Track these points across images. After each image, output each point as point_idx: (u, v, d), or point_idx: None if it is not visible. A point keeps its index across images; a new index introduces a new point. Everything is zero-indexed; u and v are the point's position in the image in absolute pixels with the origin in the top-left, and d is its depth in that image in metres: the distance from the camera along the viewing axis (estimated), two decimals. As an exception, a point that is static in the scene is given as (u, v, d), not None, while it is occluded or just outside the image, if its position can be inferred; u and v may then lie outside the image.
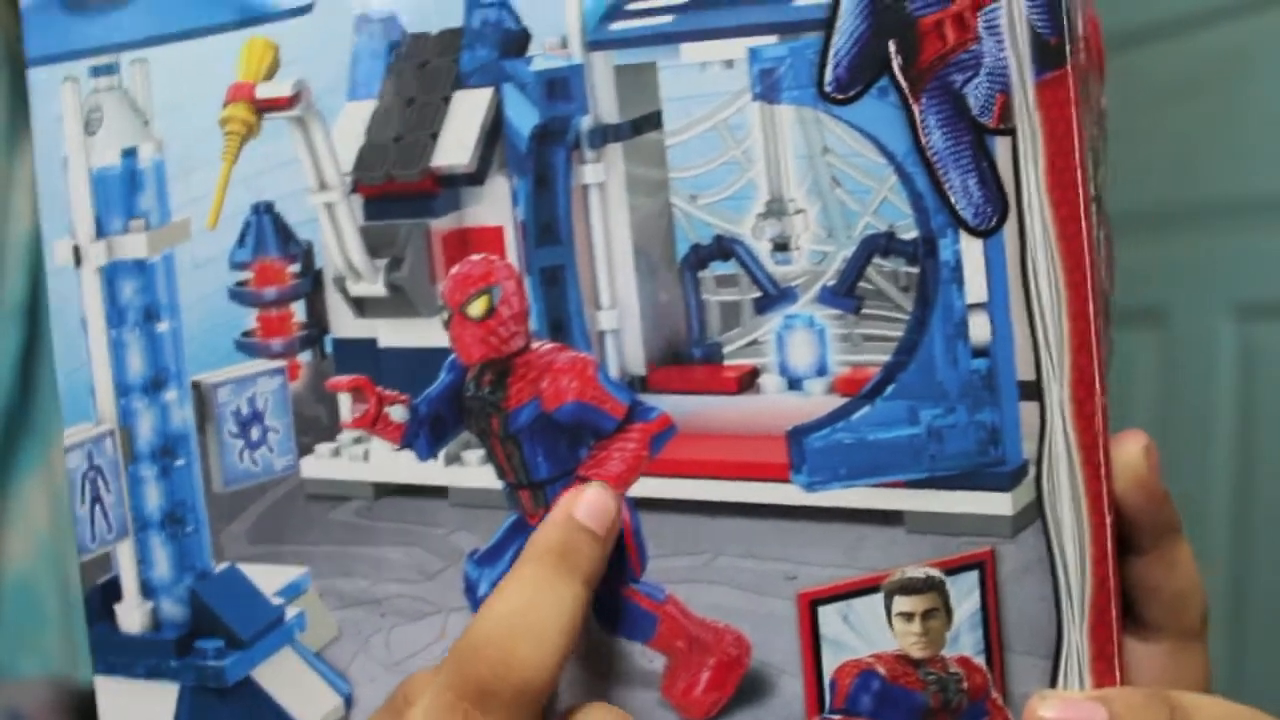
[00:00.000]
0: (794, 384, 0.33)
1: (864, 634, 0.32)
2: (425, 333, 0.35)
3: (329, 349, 0.37)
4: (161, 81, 0.37)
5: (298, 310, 0.38)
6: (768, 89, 0.31)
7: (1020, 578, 0.31)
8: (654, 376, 0.35)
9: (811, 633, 0.32)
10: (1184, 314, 0.95)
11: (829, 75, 0.31)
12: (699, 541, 0.34)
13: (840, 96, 0.31)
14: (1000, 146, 0.30)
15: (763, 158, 0.33)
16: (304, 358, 0.38)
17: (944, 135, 0.30)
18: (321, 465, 0.37)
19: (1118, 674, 0.31)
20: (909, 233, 0.31)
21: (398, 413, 0.35)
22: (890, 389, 0.31)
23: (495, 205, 0.35)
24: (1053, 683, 0.31)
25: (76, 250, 0.38)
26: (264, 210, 0.37)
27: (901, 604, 0.32)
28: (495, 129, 0.34)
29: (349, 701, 0.37)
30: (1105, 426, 0.31)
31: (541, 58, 0.34)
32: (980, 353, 0.31)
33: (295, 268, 0.37)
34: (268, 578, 0.38)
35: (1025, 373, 0.31)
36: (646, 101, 0.34)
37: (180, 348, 0.38)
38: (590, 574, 0.32)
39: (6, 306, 0.39)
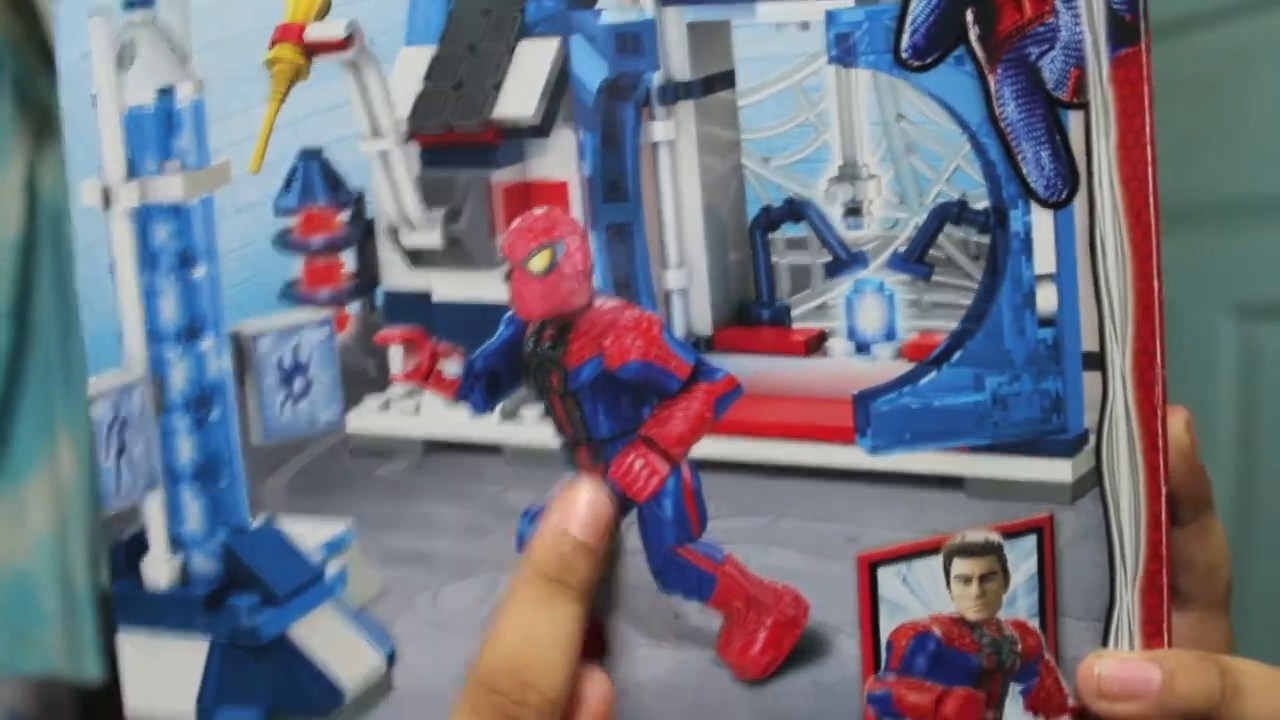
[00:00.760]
0: (861, 348, 0.40)
1: (922, 596, 0.40)
2: (483, 286, 0.42)
3: (379, 300, 0.44)
4: (202, 18, 0.43)
5: (347, 259, 0.44)
6: (844, 53, 0.38)
7: (1077, 543, 0.39)
8: (720, 337, 0.42)
9: (870, 594, 0.40)
10: (1184, 314, 1.06)
11: (906, 41, 0.38)
12: (762, 503, 0.41)
13: (917, 63, 0.38)
14: (1073, 120, 0.37)
15: (837, 122, 0.40)
16: (352, 309, 0.44)
17: (1018, 107, 0.38)
18: (369, 419, 0.44)
19: (1166, 638, 0.39)
20: (981, 202, 0.39)
21: (451, 367, 0.42)
22: (957, 355, 0.39)
23: (560, 159, 0.41)
24: (1104, 644, 0.39)
25: (106, 191, 0.44)
26: (312, 156, 0.43)
27: (960, 567, 0.40)
28: (561, 81, 0.41)
29: (391, 659, 0.44)
30: (1164, 398, 0.38)
31: (612, 10, 0.40)
32: (1046, 322, 0.39)
33: (344, 216, 0.44)
34: (308, 533, 0.45)
35: (1089, 343, 0.38)
36: (719, 60, 0.40)
37: (218, 295, 0.44)
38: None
39: None
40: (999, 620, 0.40)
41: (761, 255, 0.41)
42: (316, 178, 0.43)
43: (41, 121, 0.43)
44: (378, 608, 0.44)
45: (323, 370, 0.45)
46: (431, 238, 0.43)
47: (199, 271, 0.44)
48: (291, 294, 0.44)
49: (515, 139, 0.42)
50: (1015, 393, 0.39)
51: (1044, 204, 0.38)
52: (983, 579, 0.40)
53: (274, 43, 0.42)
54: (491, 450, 0.43)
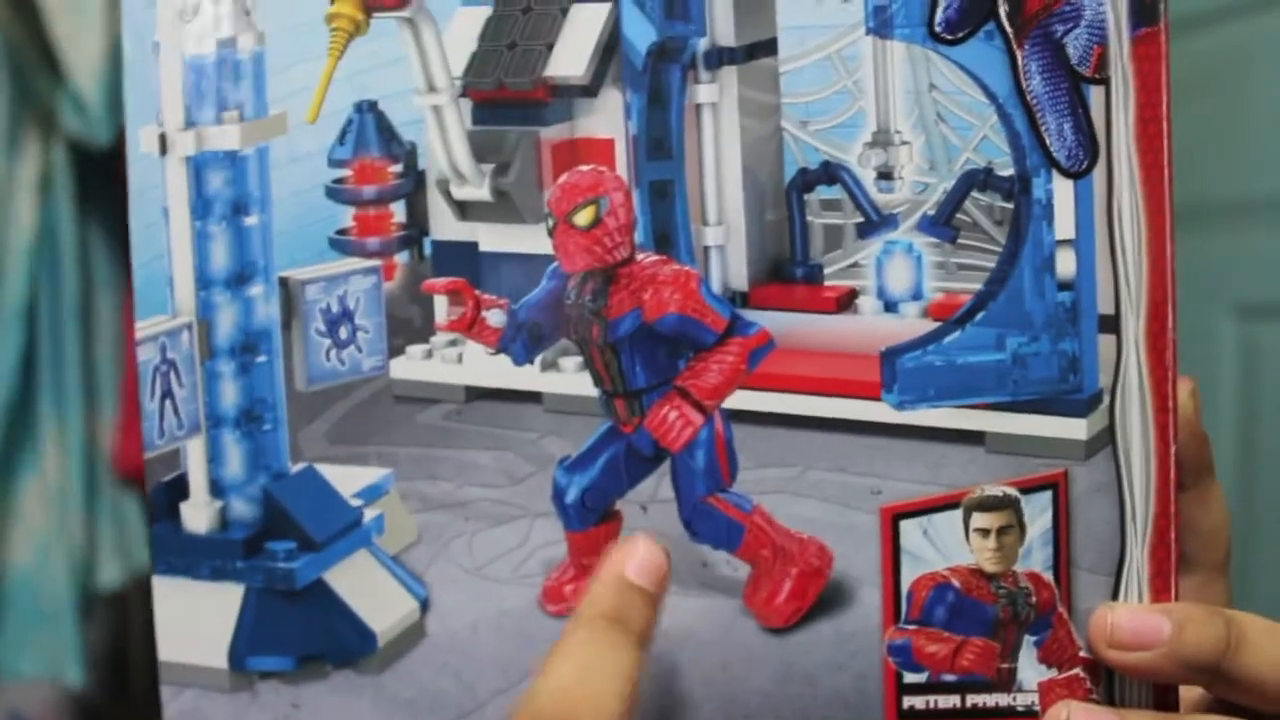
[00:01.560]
0: (890, 307, 0.52)
1: (942, 548, 0.51)
2: (528, 239, 0.54)
3: (427, 251, 0.56)
4: (266, -28, 0.55)
5: (397, 211, 0.56)
6: (881, 24, 0.50)
7: (1090, 499, 0.50)
8: (755, 293, 0.54)
9: (893, 545, 0.51)
10: (1184, 314, 1.23)
11: (939, 16, 0.50)
12: (790, 455, 0.53)
13: (949, 37, 0.49)
14: (1095, 95, 0.49)
15: (872, 90, 0.51)
16: (401, 258, 0.56)
17: (1044, 80, 0.49)
18: (413, 367, 0.56)
19: (1173, 592, 0.50)
20: (1006, 170, 0.50)
21: (495, 317, 0.54)
22: (980, 316, 0.50)
23: (607, 118, 0.53)
24: (1114, 598, 0.50)
25: (163, 138, 0.56)
26: (367, 109, 0.55)
27: (979, 520, 0.51)
28: (611, 43, 0.53)
29: (425, 605, 0.56)
30: (1175, 362, 0.50)
31: (661, -22, 0.52)
32: (1065, 286, 0.50)
33: (397, 168, 0.56)
34: (347, 479, 0.56)
35: (1105, 307, 0.50)
36: (763, 28, 0.52)
37: (269, 243, 0.56)
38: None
39: (8, 309, 0.55)
40: (1015, 572, 0.51)
41: (797, 215, 0.53)
42: (371, 130, 0.55)
43: (44, 124, 0.54)
44: (413, 553, 0.56)
45: (369, 318, 0.56)
46: (481, 191, 0.54)
47: (251, 219, 0.56)
48: (341, 243, 0.56)
49: (565, 98, 0.54)
50: (1034, 353, 0.50)
51: (1065, 173, 0.50)
52: (1000, 532, 0.51)
53: None
54: (531, 399, 0.55)
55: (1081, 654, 0.51)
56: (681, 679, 0.53)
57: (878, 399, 0.51)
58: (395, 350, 0.56)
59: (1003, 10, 0.49)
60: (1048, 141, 0.50)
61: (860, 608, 0.52)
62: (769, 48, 0.52)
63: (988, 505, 0.51)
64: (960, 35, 0.50)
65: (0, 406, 0.52)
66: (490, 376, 0.55)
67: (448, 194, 0.55)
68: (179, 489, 0.57)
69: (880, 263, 0.52)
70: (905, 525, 0.51)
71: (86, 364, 0.56)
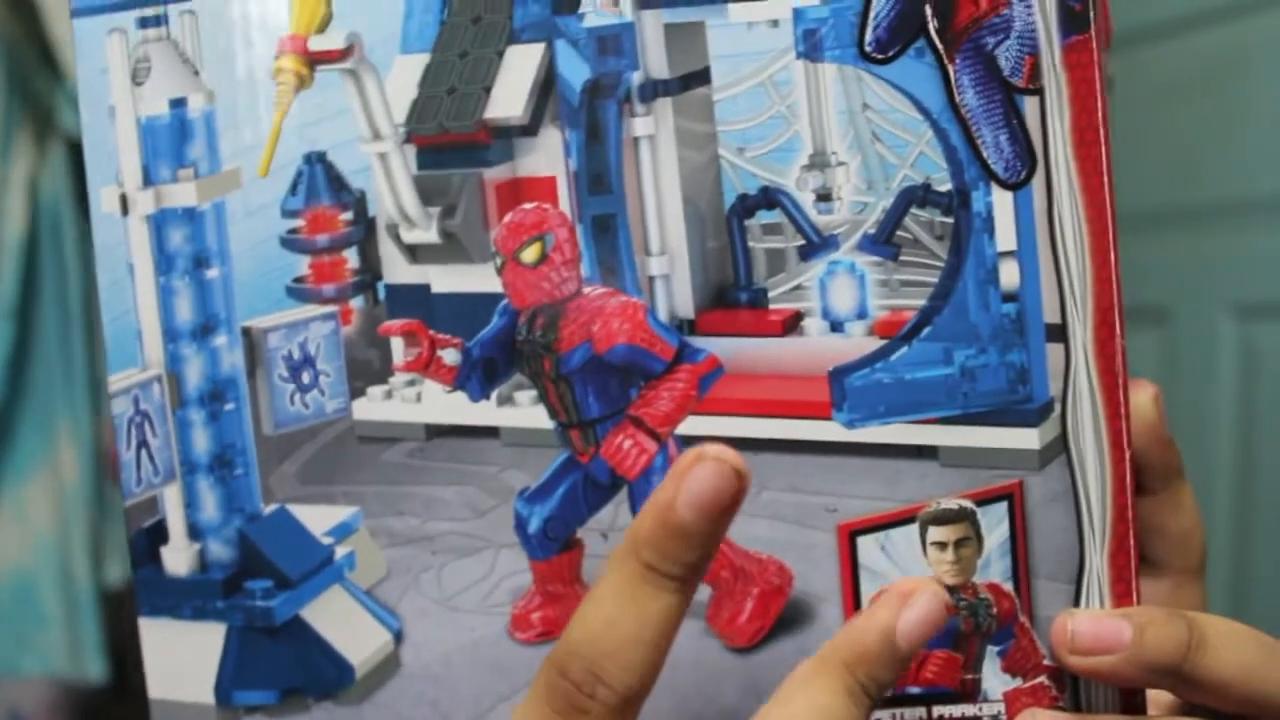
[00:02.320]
0: (836, 326, 0.42)
1: (900, 563, 0.41)
2: (478, 278, 0.44)
3: (381, 294, 0.46)
4: (211, 33, 0.45)
5: (350, 257, 0.46)
6: (811, 48, 0.40)
7: (1046, 507, 0.40)
8: (702, 320, 0.43)
9: (851, 562, 0.41)
10: (1185, 314, 1.11)
11: (869, 36, 0.39)
12: (744, 477, 0.42)
13: (880, 56, 0.39)
14: (1029, 105, 0.39)
15: (807, 113, 0.41)
16: (356, 303, 0.46)
17: (977, 94, 0.39)
18: (374, 407, 0.46)
19: (1135, 596, 0.40)
20: (944, 185, 0.40)
21: (450, 356, 0.44)
22: (926, 331, 0.40)
23: (548, 156, 0.43)
24: (1075, 605, 0.40)
25: (124, 198, 0.46)
26: (316, 160, 0.45)
27: (935, 534, 0.41)
28: (547, 83, 0.43)
29: (399, 637, 0.46)
30: (1125, 367, 0.39)
31: (593, 14, 0.42)
32: (1010, 297, 0.40)
33: (348, 215, 0.46)
34: (317, 518, 0.46)
35: (1051, 316, 0.39)
36: (695, 58, 0.42)
37: (231, 294, 0.46)
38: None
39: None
40: (974, 584, 0.41)
41: (739, 241, 0.43)
42: (321, 180, 0.45)
43: (43, 122, 0.45)
44: (384, 587, 0.46)
45: (329, 362, 0.46)
46: (429, 234, 0.44)
47: (212, 272, 0.46)
48: (299, 290, 0.46)
49: (505, 138, 0.43)
50: (982, 365, 0.40)
51: (1004, 185, 0.39)
52: (957, 545, 0.41)
53: (279, 54, 0.44)
54: (489, 433, 0.45)
55: (1046, 662, 0.41)
56: (651, 697, 0.43)
57: (829, 418, 0.41)
58: (356, 392, 0.46)
59: (932, 26, 0.39)
60: (984, 154, 0.39)
61: (822, 624, 0.42)
62: (702, 77, 0.42)
63: (944, 519, 0.41)
64: (891, 54, 0.39)
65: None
66: (449, 414, 0.44)
67: (398, 238, 0.45)
68: (159, 534, 0.48)
69: (824, 284, 0.41)
70: (862, 542, 0.41)
71: (92, 362, 0.47)
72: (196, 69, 0.45)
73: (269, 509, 0.47)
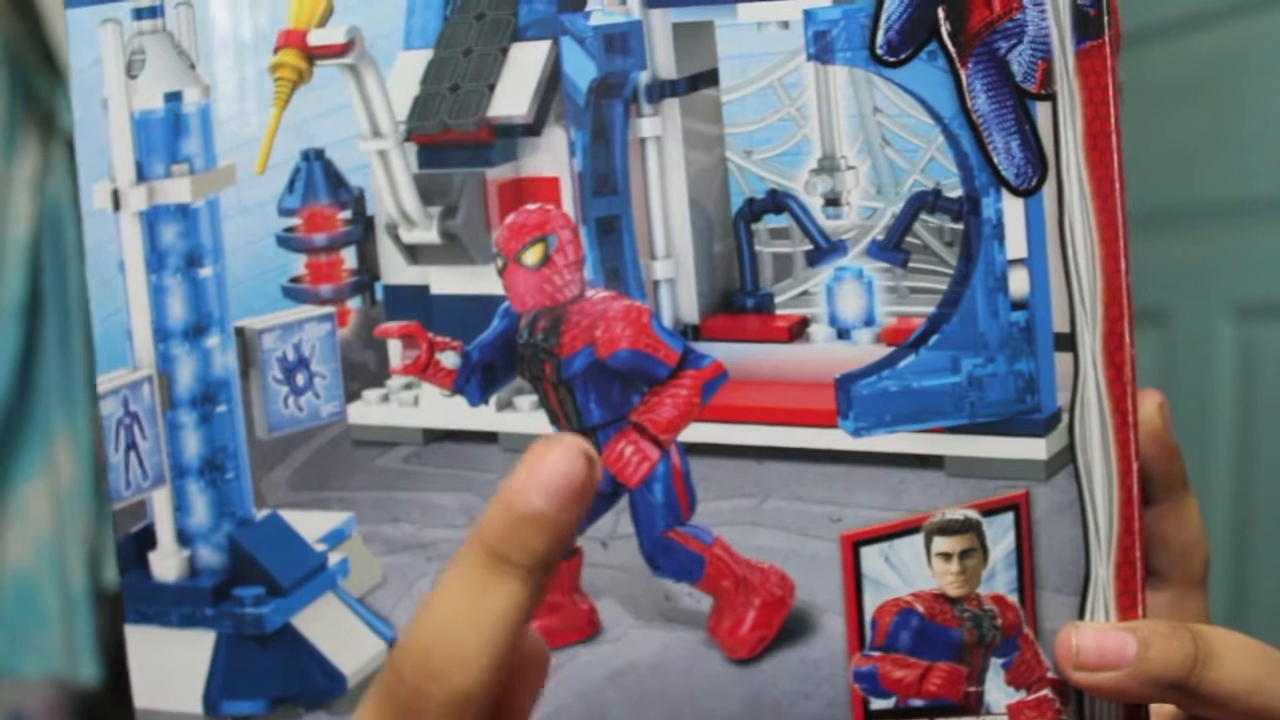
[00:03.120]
0: (843, 333, 0.41)
1: (904, 573, 0.41)
2: (478, 280, 0.43)
3: (379, 295, 0.45)
4: (208, 26, 0.44)
5: (348, 257, 0.46)
6: (822, 50, 0.40)
7: (1052, 519, 0.40)
8: (707, 325, 0.43)
9: (854, 573, 0.41)
10: (1184, 314, 1.13)
11: (881, 38, 0.39)
12: (748, 485, 0.42)
13: (891, 59, 0.39)
14: (1041, 111, 0.39)
15: (816, 116, 0.41)
16: (354, 304, 0.45)
17: (989, 99, 0.39)
18: (370, 411, 0.45)
19: (1140, 609, 0.40)
20: (954, 191, 0.40)
21: (449, 359, 0.43)
22: (934, 339, 0.40)
23: (552, 156, 0.43)
24: (1080, 618, 0.40)
25: (115, 194, 0.46)
26: (314, 157, 0.44)
27: (940, 544, 0.41)
28: (552, 81, 0.42)
29: (392, 646, 0.45)
30: (1133, 377, 0.39)
31: (600, 13, 0.42)
32: (1019, 305, 0.40)
33: (346, 214, 0.45)
34: (310, 524, 0.46)
35: (1060, 325, 0.39)
36: (704, 59, 0.42)
37: (224, 293, 0.46)
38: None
39: (6, 307, 0.45)
40: (979, 595, 0.41)
41: (745, 245, 0.43)
42: (319, 178, 0.44)
43: (45, 123, 0.45)
44: (378, 595, 0.45)
45: (325, 364, 0.46)
46: (429, 234, 0.44)
47: (205, 271, 0.46)
48: (294, 290, 0.46)
49: (509, 138, 0.43)
50: (990, 374, 0.40)
51: (1015, 191, 0.39)
52: (962, 555, 0.41)
53: (278, 48, 0.44)
54: (488, 439, 0.44)
55: (1050, 675, 0.40)
56: (649, 711, 0.42)
57: (834, 426, 0.40)
58: (352, 395, 0.45)
59: (945, 30, 0.39)
60: (996, 160, 0.39)
61: (824, 636, 0.42)
62: (710, 78, 0.42)
63: (949, 529, 0.41)
64: (903, 57, 0.39)
65: None
66: (447, 418, 0.44)
67: (397, 238, 0.44)
68: (147, 539, 0.47)
69: (831, 290, 0.41)
70: (866, 552, 0.41)
71: (91, 363, 0.46)
72: (192, 62, 0.45)
73: (261, 514, 0.46)
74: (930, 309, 0.40)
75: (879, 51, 0.39)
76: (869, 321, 0.41)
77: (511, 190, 0.43)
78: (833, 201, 0.41)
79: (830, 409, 0.40)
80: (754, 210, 0.42)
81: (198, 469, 0.46)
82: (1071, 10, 0.38)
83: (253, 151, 0.44)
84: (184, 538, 0.47)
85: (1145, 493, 0.40)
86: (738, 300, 0.43)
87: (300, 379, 0.46)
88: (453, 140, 0.43)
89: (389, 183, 0.44)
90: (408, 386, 0.45)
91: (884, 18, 0.39)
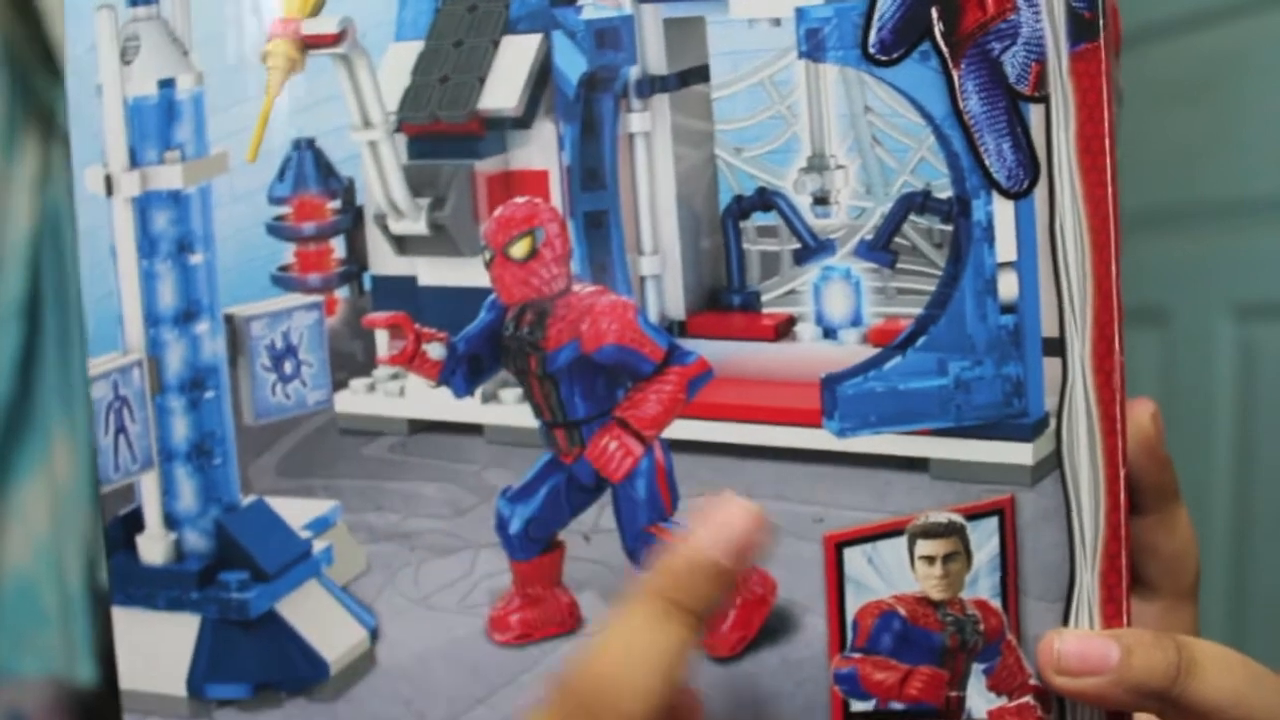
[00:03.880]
0: (829, 333, 0.42)
1: (886, 576, 0.41)
2: (466, 272, 0.43)
3: (367, 285, 0.46)
4: (202, 13, 0.45)
5: (337, 246, 0.46)
6: (813, 48, 0.40)
7: (1038, 525, 0.40)
8: (693, 322, 0.43)
9: (836, 574, 0.41)
10: (1184, 314, 1.14)
11: (873, 37, 0.39)
12: (731, 483, 0.42)
13: (883, 58, 0.39)
14: (1034, 113, 0.39)
15: (806, 114, 0.41)
16: (342, 293, 0.46)
17: (981, 100, 0.39)
18: (356, 400, 0.46)
19: (1125, 618, 0.40)
20: (944, 192, 0.40)
21: (435, 350, 0.44)
22: (921, 341, 0.40)
23: (541, 149, 0.43)
24: (1064, 624, 0.40)
25: (108, 179, 0.46)
26: (305, 146, 0.45)
27: (924, 547, 0.41)
28: (543, 75, 0.43)
29: (374, 635, 0.46)
30: (1122, 384, 0.39)
31: (591, 7, 0.42)
32: (1008, 309, 0.40)
33: (335, 204, 0.45)
34: (296, 511, 0.46)
35: (1049, 329, 0.39)
36: (694, 55, 0.42)
37: (214, 280, 0.46)
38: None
39: (5, 306, 0.46)
40: (962, 600, 0.41)
41: (733, 242, 0.43)
42: (309, 167, 0.45)
43: (45, 122, 0.45)
44: (361, 584, 0.46)
45: (312, 353, 0.46)
46: (417, 225, 0.44)
47: (196, 257, 0.46)
48: (283, 279, 0.46)
49: (498, 130, 0.43)
50: (977, 377, 0.40)
51: (1005, 194, 0.39)
52: (946, 559, 0.41)
53: (270, 37, 0.44)
54: (473, 430, 0.45)
55: (1032, 682, 0.41)
56: (629, 707, 0.43)
57: (819, 426, 0.41)
58: (339, 384, 0.46)
59: (938, 30, 0.39)
60: (987, 162, 0.39)
61: (805, 636, 0.42)
62: (701, 74, 0.42)
63: (933, 532, 0.41)
64: (895, 57, 0.39)
65: None
66: (432, 409, 0.44)
67: (386, 229, 0.45)
68: (135, 522, 0.48)
69: (818, 289, 0.41)
70: (849, 553, 0.41)
71: (79, 361, 0.47)
72: (186, 49, 0.45)
73: (247, 500, 0.47)
74: (918, 310, 0.40)
75: (871, 50, 0.39)
76: (856, 321, 0.41)
77: (500, 183, 0.44)
78: (821, 200, 0.41)
79: (815, 409, 0.41)
80: (742, 207, 0.42)
81: (185, 454, 0.47)
82: (1066, 12, 0.38)
83: (244, 140, 0.45)
84: (171, 521, 0.47)
85: (1136, 503, 0.40)
86: (724, 298, 0.43)
87: (288, 367, 0.46)
88: (442, 132, 0.44)
89: (378, 173, 0.44)
90: (394, 377, 0.45)
91: (877, 16, 0.39)
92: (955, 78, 0.39)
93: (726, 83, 0.42)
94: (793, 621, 0.42)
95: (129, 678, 0.47)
